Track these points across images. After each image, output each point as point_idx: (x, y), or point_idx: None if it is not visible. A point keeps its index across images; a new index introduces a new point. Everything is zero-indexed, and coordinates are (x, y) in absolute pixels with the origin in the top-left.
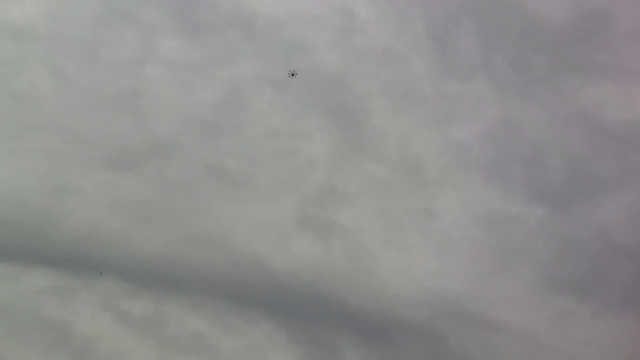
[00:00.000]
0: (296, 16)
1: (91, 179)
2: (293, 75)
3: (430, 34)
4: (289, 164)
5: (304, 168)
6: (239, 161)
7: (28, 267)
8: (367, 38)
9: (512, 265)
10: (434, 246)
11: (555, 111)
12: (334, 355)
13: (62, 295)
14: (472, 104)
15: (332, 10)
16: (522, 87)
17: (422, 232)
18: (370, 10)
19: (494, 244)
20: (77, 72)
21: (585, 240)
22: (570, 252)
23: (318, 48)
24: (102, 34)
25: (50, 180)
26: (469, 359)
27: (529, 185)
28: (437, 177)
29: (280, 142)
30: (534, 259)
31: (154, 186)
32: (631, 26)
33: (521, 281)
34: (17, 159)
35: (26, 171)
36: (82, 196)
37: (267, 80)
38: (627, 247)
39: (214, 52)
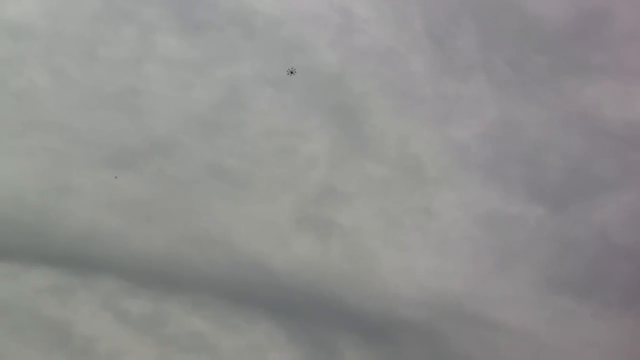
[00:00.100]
0: (296, 15)
1: (91, 178)
2: (292, 73)
3: (429, 33)
4: (288, 163)
5: (304, 167)
6: (238, 160)
7: (28, 266)
8: (367, 37)
9: (512, 265)
10: (434, 246)
11: (554, 111)
12: (334, 354)
13: (61, 294)
14: (472, 103)
15: (332, 9)
16: (521, 87)
17: (422, 231)
18: (369, 9)
19: (493, 243)
20: (77, 70)
21: (584, 240)
22: (569, 251)
23: (317, 47)
24: (101, 33)
25: (50, 179)
26: (469, 358)
27: (528, 185)
28: (437, 177)
29: (279, 142)
30: (534, 258)
31: (154, 185)
32: (630, 26)
33: (521, 281)
34: (17, 158)
35: (26, 170)
36: (82, 195)
37: (266, 80)
38: (626, 247)
39: (213, 51)
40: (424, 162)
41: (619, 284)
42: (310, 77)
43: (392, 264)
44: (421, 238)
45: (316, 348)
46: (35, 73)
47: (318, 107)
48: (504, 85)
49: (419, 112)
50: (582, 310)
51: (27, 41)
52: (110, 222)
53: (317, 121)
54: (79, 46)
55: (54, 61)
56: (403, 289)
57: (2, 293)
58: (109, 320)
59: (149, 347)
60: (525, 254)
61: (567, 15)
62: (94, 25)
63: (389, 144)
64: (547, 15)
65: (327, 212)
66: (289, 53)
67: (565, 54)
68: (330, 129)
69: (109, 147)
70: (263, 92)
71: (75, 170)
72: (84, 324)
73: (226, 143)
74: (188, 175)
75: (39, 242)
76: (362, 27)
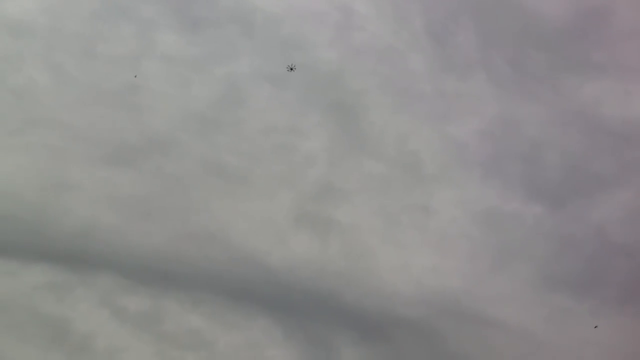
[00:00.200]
0: (295, 12)
1: (89, 175)
2: (291, 69)
3: (428, 31)
4: (287, 160)
5: (302, 164)
6: (237, 158)
7: (26, 263)
8: (366, 35)
9: (510, 262)
10: (432, 243)
11: (553, 109)
12: (331, 351)
13: (59, 291)
14: (471, 101)
15: (331, 6)
16: (520, 85)
17: (420, 229)
18: (369, 7)
19: (491, 241)
20: (75, 67)
21: (582, 237)
22: (567, 249)
23: (317, 45)
24: (100, 30)
25: (49, 176)
26: (467, 356)
27: (526, 183)
28: (435, 174)
29: (278, 139)
30: (532, 256)
31: (152, 182)
32: (629, 24)
33: (519, 278)
34: (16, 155)
35: (24, 167)
36: (80, 192)
37: (265, 77)
38: (624, 245)
39: (212, 48)
40: (422, 159)
41: (617, 282)
42: (309, 74)
43: (390, 262)
44: (419, 236)
45: (313, 345)
46: (35, 70)
47: (317, 104)
48: (503, 83)
49: (418, 109)
50: (579, 307)
51: (26, 38)
52: (109, 219)
53: (315, 118)
54: (78, 43)
55: (53, 58)
56: (401, 287)
57: (0, 290)
58: (106, 317)
59: (146, 344)
60: (523, 251)
61: (566, 14)
62: (93, 23)
63: (387, 141)
64: (547, 13)
65: (325, 209)
66: (288, 50)
67: (564, 52)
68: (329, 127)
69: (107, 144)
70: (262, 89)
71: (73, 167)
72: (81, 320)
73: (225, 140)
74: (186, 172)
75: (37, 239)
76: (361, 24)
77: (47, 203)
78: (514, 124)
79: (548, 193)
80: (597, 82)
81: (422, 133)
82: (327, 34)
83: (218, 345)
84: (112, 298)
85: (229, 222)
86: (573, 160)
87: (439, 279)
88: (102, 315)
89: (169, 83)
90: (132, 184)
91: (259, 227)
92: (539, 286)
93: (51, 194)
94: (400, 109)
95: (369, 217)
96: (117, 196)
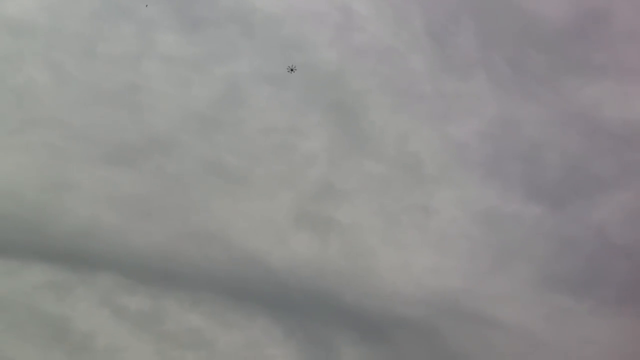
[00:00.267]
0: (295, 13)
1: (89, 174)
2: (292, 70)
3: (428, 31)
4: (287, 160)
5: (302, 165)
6: (237, 157)
7: (26, 262)
8: (366, 35)
9: (510, 263)
10: (432, 243)
11: (553, 110)
12: (331, 351)
13: (59, 290)
14: (471, 101)
15: (331, 7)
16: (520, 86)
17: (420, 229)
18: (369, 7)
19: (491, 241)
20: (76, 67)
21: (582, 238)
22: (567, 250)
23: (317, 45)
24: (100, 29)
25: (49, 175)
26: (467, 356)
27: (526, 184)
28: (435, 175)
29: (278, 139)
30: (532, 256)
31: (152, 182)
32: (630, 25)
33: (518, 279)
34: (16, 154)
35: (25, 166)
36: (81, 191)
37: (265, 77)
38: (624, 246)
39: (212, 48)
40: (422, 159)
41: (617, 282)
42: (310, 74)
43: (390, 262)
44: (419, 236)
45: (313, 345)
46: (35, 70)
47: (317, 104)
48: (503, 84)
49: (418, 110)
50: (579, 307)
51: (26, 38)
52: (109, 219)
53: (315, 119)
54: (79, 43)
55: (53, 58)
56: (401, 287)
57: (0, 289)
58: (107, 317)
59: (146, 343)
60: (523, 251)
61: (566, 15)
62: (93, 23)
63: (387, 141)
64: (547, 14)
65: (325, 209)
66: (288, 51)
67: (564, 53)
68: (329, 127)
69: (107, 143)
70: (262, 89)
71: (74, 167)
72: (82, 320)
73: (225, 140)
74: (187, 172)
75: (38, 238)
76: (361, 25)
77: (48, 202)
78: (514, 124)
79: (548, 193)
80: (597, 83)
81: (422, 133)
82: (327, 34)
83: (218, 344)
84: (112, 297)
85: (229, 221)
86: (573, 161)
87: (439, 279)
88: (103, 314)
89: (169, 83)
90: (132, 183)
91: (259, 227)
92: (539, 286)
93: (51, 194)
94: (400, 109)
95: (369, 217)
96: (117, 196)
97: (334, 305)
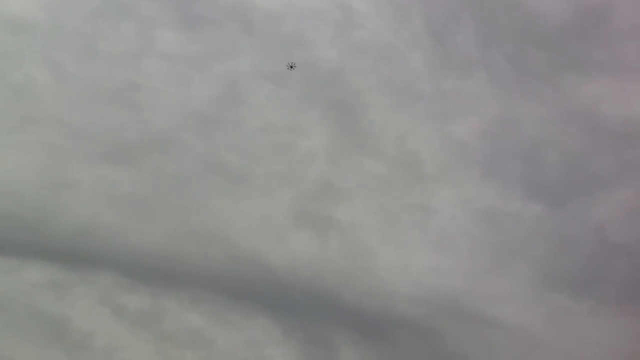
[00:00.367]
0: (295, 10)
1: (89, 173)
2: (292, 67)
3: (428, 29)
4: (286, 159)
5: (302, 163)
6: (236, 156)
7: (25, 261)
8: (366, 33)
9: (509, 262)
10: (432, 242)
11: (553, 108)
12: (331, 351)
13: (59, 289)
14: (471, 100)
15: (331, 4)
16: (520, 84)
17: (420, 228)
18: (368, 5)
19: (491, 240)
20: (75, 65)
21: (582, 237)
22: (567, 249)
23: (316, 43)
24: (100, 27)
25: (48, 174)
26: (466, 355)
27: (526, 182)
28: (435, 174)
29: (278, 137)
30: (531, 256)
31: (152, 181)
32: (630, 23)
33: (518, 278)
34: (15, 152)
35: (23, 164)
36: (80, 190)
37: (265, 75)
38: (624, 245)
39: (212, 46)
40: (422, 158)
41: (617, 282)
42: (309, 72)
43: (389, 261)
44: (419, 235)
45: (313, 344)
46: (34, 68)
47: (317, 102)
48: (504, 82)
49: (417, 108)
50: (578, 307)
51: (26, 36)
52: (108, 218)
53: (315, 117)
54: (78, 41)
55: (53, 56)
56: (400, 286)
57: None
58: (106, 316)
59: (146, 343)
60: (523, 251)
61: (566, 12)
62: (93, 20)
63: (387, 140)
64: (547, 12)
65: (325, 208)
66: (287, 48)
67: (564, 51)
68: (329, 125)
69: (107, 142)
70: (262, 87)
71: (73, 165)
72: (81, 319)
73: (224, 138)
74: (186, 170)
75: (37, 237)
76: (361, 22)
77: (47, 201)
78: (514, 123)
79: (548, 192)
80: (597, 81)
81: (422, 132)
82: (327, 32)
83: (217, 343)
84: (112, 296)
85: (228, 220)
86: (573, 159)
87: (438, 278)
88: (102, 313)
89: (169, 81)
90: (131, 182)
91: (259, 226)
92: (539, 285)
93: (50, 192)
94: (400, 107)
95: (368, 216)
96: (117, 194)
97: (333, 305)
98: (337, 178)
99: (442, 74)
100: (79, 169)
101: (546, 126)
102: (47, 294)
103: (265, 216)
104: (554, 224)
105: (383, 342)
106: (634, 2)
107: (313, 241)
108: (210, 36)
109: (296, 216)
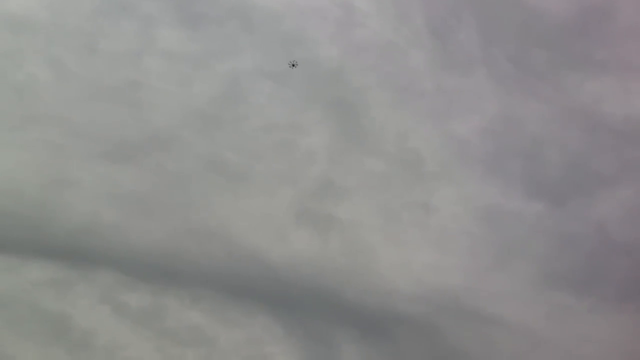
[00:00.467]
0: (295, 9)
1: (90, 172)
2: (293, 66)
3: (430, 28)
4: (287, 157)
5: (303, 162)
6: (238, 154)
7: (26, 259)
8: (367, 31)
9: (510, 260)
10: (432, 241)
11: (554, 106)
12: (332, 348)
13: (60, 287)
14: (472, 98)
15: (332, 3)
16: (521, 82)
17: (421, 226)
18: (369, 3)
19: (492, 238)
20: (76, 63)
21: (583, 235)
22: (568, 247)
23: (317, 41)
24: (101, 26)
25: (49, 172)
26: (467, 353)
27: (527, 180)
28: (436, 172)
29: (279, 136)
30: (532, 254)
31: (153, 179)
32: (632, 21)
33: (519, 276)
34: (16, 151)
35: (25, 163)
36: (81, 188)
37: (266, 74)
38: (625, 243)
39: (213, 45)
40: (423, 156)
41: (617, 280)
42: (310, 71)
43: (390, 259)
44: (420, 233)
45: (314, 342)
46: (35, 66)
47: (318, 101)
48: (505, 80)
49: (418, 106)
50: (579, 305)
51: (26, 34)
52: (109, 216)
53: (316, 115)
54: (79, 39)
55: (54, 54)
56: (401, 284)
57: (0, 286)
58: (107, 314)
59: (147, 341)
60: (524, 249)
61: (568, 11)
62: (94, 19)
63: (388, 138)
64: (548, 10)
65: (325, 206)
66: (288, 47)
67: (566, 50)
68: (330, 123)
69: (108, 140)
70: (263, 86)
71: (74, 164)
72: (82, 317)
73: (225, 137)
74: (187, 169)
75: (37, 235)
76: (362, 21)
77: (48, 199)
78: (515, 121)
79: (549, 190)
80: (598, 79)
81: (423, 130)
82: (327, 31)
83: (218, 341)
84: (113, 294)
85: (229, 219)
86: (574, 157)
87: (439, 276)
88: (103, 311)
89: (169, 79)
90: (132, 180)
91: (260, 224)
92: (540, 283)
93: (51, 190)
94: (401, 105)
95: (369, 214)
96: (118, 193)
97: (334, 303)
98: (338, 176)
99: (443, 72)
100: (79, 168)
101: (547, 124)
102: (48, 292)
103: (266, 214)
104: (554, 222)
105: (384, 340)
106: (635, 1)
107: (314, 239)
108: (211, 34)
109: (297, 214)
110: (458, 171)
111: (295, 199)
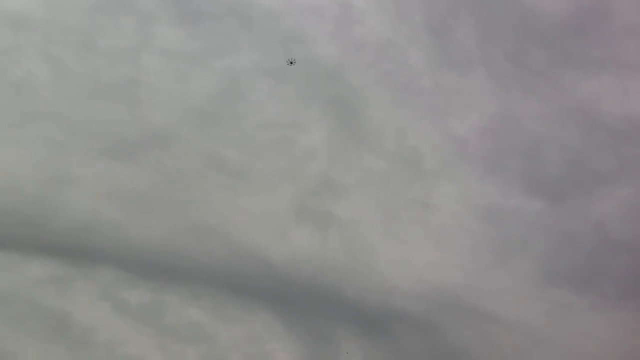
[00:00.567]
0: (294, 7)
1: (89, 169)
2: (292, 63)
3: (428, 26)
4: (286, 155)
5: (302, 159)
6: (237, 152)
7: (26, 256)
8: (366, 29)
9: (510, 257)
10: (432, 238)
11: (553, 105)
12: (332, 345)
13: (60, 284)
14: (470, 96)
15: (330, 1)
16: (520, 81)
17: (420, 224)
18: (368, 1)
19: (491, 236)
20: (75, 61)
21: (582, 233)
22: (567, 245)
23: (316, 39)
24: (99, 23)
25: (49, 170)
26: (467, 350)
27: (526, 178)
28: (435, 170)
29: (278, 133)
30: (532, 252)
31: (152, 176)
32: (629, 20)
33: (519, 274)
34: (15, 148)
35: (24, 160)
36: (81, 185)
37: (264, 71)
38: (624, 241)
39: (211, 42)
40: (422, 154)
41: (616, 277)
42: (309, 68)
43: (390, 256)
44: (419, 230)
45: (314, 339)
46: (34, 64)
47: (316, 99)
48: (503, 79)
49: (417, 104)
50: (579, 302)
51: (25, 32)
52: (109, 213)
53: (315, 113)
54: (78, 37)
55: (53, 52)
56: (401, 281)
57: (1, 283)
58: (107, 311)
59: (147, 337)
60: (523, 247)
61: (566, 10)
62: (92, 16)
63: (387, 136)
64: (547, 9)
65: (325, 204)
66: (287, 44)
67: (564, 48)
68: (329, 121)
69: (107, 137)
70: (261, 83)
71: (73, 161)
72: (82, 314)
73: (224, 134)
74: (187, 166)
75: (38, 232)
76: (360, 19)
77: (48, 196)
78: (514, 119)
79: (548, 189)
80: (597, 78)
81: (421, 128)
82: (326, 29)
83: (218, 338)
84: (113, 291)
85: (229, 216)
86: (572, 156)
87: (439, 274)
88: (103, 308)
89: (168, 77)
90: (132, 177)
91: (259, 222)
92: (539, 281)
93: (51, 188)
94: (399, 104)
95: (369, 211)
96: (118, 190)
97: (334, 300)
98: (338, 174)
99: (441, 70)
100: (79, 165)
101: (546, 123)
102: (48, 289)
103: (265, 212)
104: (554, 221)
105: (384, 337)
106: (633, 1)
107: (313, 237)
108: (210, 32)
109: (297, 212)
110: (457, 169)
111: (295, 196)
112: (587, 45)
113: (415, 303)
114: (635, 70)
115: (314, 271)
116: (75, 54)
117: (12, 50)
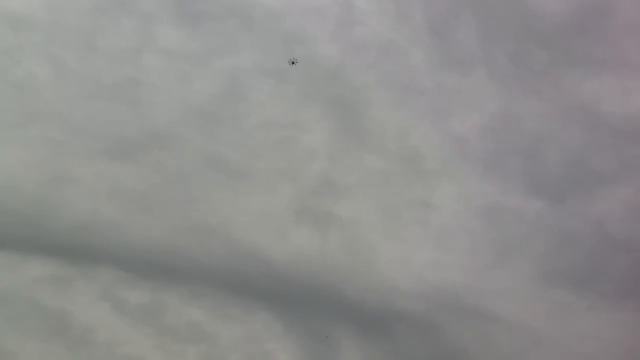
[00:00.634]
0: (295, 7)
1: (90, 168)
2: (293, 63)
3: (429, 26)
4: (287, 155)
5: (303, 159)
6: (237, 152)
7: (26, 256)
8: (367, 30)
9: (510, 257)
10: (432, 238)
11: (554, 104)
12: (332, 345)
13: (60, 284)
14: (471, 96)
15: (332, 1)
16: (521, 80)
17: (421, 224)
18: (369, 1)
19: (492, 236)
20: (76, 61)
21: (583, 233)
22: (568, 245)
23: (317, 39)
24: (100, 23)
25: (49, 170)
26: (466, 351)
27: (527, 178)
28: (436, 170)
29: (279, 133)
30: (532, 251)
31: (153, 176)
32: (630, 20)
33: (519, 274)
34: (16, 148)
35: (25, 160)
36: (81, 185)
37: (266, 71)
38: (624, 241)
39: (212, 42)
40: (423, 154)
41: (617, 277)
42: (310, 69)
43: (390, 256)
44: (420, 230)
45: (314, 339)
46: (35, 64)
47: (317, 99)
48: (504, 79)
49: (418, 104)
50: (579, 302)
51: (26, 32)
52: (109, 213)
53: (316, 113)
54: (79, 37)
55: (54, 52)
56: (401, 281)
57: (1, 283)
58: (107, 310)
59: (147, 337)
60: (524, 247)
61: (567, 9)
62: (94, 16)
63: (388, 136)
64: (548, 9)
65: (325, 204)
66: (288, 45)
67: (565, 48)
68: (330, 121)
69: (108, 137)
70: (262, 83)
71: (74, 161)
72: (82, 313)
73: (225, 134)
74: (187, 166)
75: (38, 232)
76: (362, 19)
77: (48, 196)
78: (515, 119)
79: (548, 188)
80: (598, 78)
81: (422, 128)
82: (327, 29)
83: (218, 338)
84: (113, 291)
85: (229, 216)
86: (573, 155)
87: (439, 274)
88: (103, 308)
89: (169, 77)
90: (132, 177)
91: (260, 222)
92: (540, 281)
93: (51, 188)
94: (401, 104)
95: (369, 212)
96: (118, 190)
97: (334, 300)
98: (338, 174)
99: (443, 70)
100: (79, 165)
101: (547, 123)
102: (48, 288)
103: (266, 212)
104: (554, 220)
105: (384, 337)
106: (634, 0)
107: (314, 237)
108: (211, 32)
109: (297, 212)
110: (458, 169)
111: (295, 196)
112: (589, 45)
113: (415, 303)
114: (636, 70)
115: (314, 271)
116: (76, 54)
117: (13, 50)
